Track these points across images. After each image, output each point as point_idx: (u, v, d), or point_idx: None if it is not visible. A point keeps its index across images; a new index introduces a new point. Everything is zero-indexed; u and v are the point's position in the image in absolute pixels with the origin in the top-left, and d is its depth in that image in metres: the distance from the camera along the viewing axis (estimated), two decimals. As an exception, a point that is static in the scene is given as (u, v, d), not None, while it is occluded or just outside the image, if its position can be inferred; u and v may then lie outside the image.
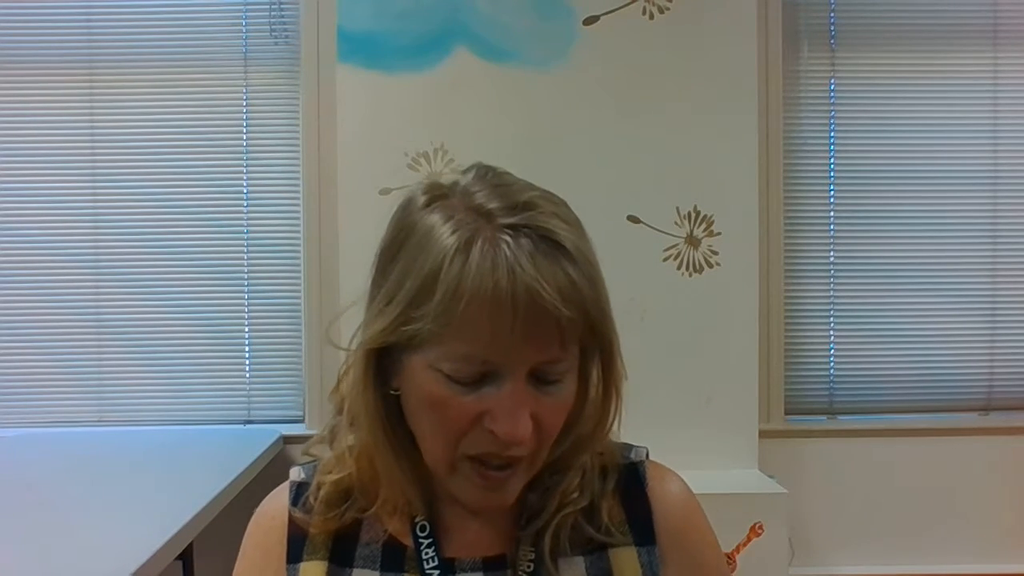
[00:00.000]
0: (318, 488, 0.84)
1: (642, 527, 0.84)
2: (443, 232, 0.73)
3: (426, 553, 0.82)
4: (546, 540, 0.80)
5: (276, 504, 0.87)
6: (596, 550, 0.82)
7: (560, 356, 0.75)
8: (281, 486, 0.89)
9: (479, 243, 0.72)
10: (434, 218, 0.75)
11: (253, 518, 0.88)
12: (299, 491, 0.87)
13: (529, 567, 0.80)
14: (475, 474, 0.77)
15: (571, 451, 0.82)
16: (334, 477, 0.83)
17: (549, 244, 0.73)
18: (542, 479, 0.82)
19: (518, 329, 0.71)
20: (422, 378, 0.75)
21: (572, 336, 0.74)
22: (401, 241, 0.76)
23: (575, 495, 0.82)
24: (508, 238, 0.72)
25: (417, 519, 0.83)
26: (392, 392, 0.79)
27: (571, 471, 0.83)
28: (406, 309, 0.74)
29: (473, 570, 0.82)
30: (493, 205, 0.75)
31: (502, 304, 0.71)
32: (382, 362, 0.78)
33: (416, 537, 0.82)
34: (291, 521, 0.85)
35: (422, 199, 0.77)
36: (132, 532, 1.73)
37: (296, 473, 0.89)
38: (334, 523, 0.84)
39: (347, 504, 0.84)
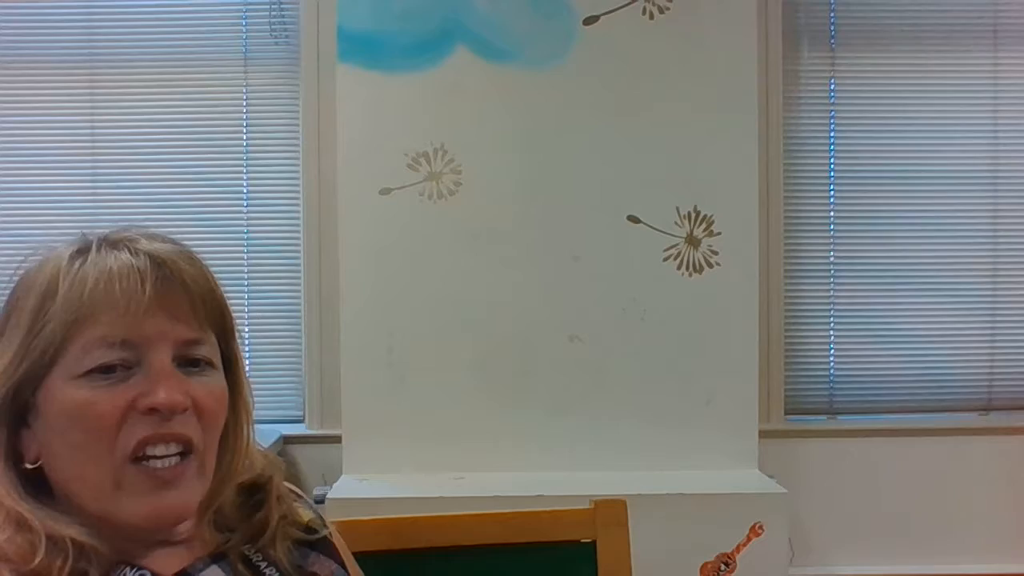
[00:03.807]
0: None
1: None
2: (51, 258, 0.76)
3: None
4: None
5: None
6: None
7: (200, 336, 0.77)
8: None
9: (94, 248, 0.77)
10: (36, 260, 0.77)
11: None
12: None
13: None
14: (144, 476, 0.73)
15: (227, 478, 0.81)
16: None
17: (163, 240, 0.80)
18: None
19: (151, 296, 0.74)
20: (64, 396, 0.72)
21: (207, 312, 0.78)
22: (11, 298, 0.77)
23: None
24: (122, 242, 0.78)
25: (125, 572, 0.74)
26: (30, 467, 0.74)
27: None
28: (32, 324, 0.73)
29: None
30: (95, 236, 0.79)
31: (129, 274, 0.74)
32: (11, 437, 0.74)
33: None
34: None
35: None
36: (132, 532, 1.73)
37: None
38: None
39: None
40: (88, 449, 0.73)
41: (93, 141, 2.95)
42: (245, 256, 2.98)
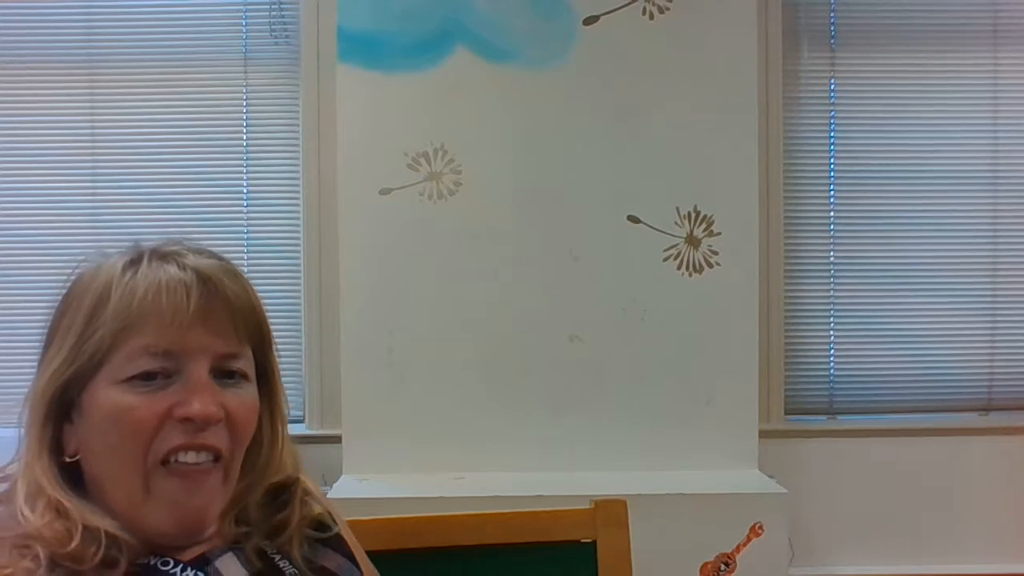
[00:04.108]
0: None
1: None
2: (105, 266, 0.81)
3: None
4: None
5: None
6: None
7: (238, 350, 0.82)
8: None
9: (145, 259, 0.81)
10: (92, 266, 0.82)
11: None
12: None
13: None
14: (172, 477, 0.77)
15: (256, 482, 0.85)
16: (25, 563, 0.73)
17: (209, 255, 0.84)
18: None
19: (194, 310, 0.78)
20: (106, 399, 0.77)
21: (246, 327, 0.82)
22: (66, 300, 0.81)
23: None
24: (171, 255, 0.82)
25: (150, 560, 0.78)
26: (68, 459, 0.79)
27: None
28: (84, 328, 0.78)
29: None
30: (147, 248, 0.83)
31: (176, 288, 0.78)
32: (55, 431, 0.79)
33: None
34: None
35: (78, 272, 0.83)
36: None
37: None
38: None
39: None
40: (123, 450, 0.77)
41: (93, 141, 2.95)
42: (245, 256, 2.98)
